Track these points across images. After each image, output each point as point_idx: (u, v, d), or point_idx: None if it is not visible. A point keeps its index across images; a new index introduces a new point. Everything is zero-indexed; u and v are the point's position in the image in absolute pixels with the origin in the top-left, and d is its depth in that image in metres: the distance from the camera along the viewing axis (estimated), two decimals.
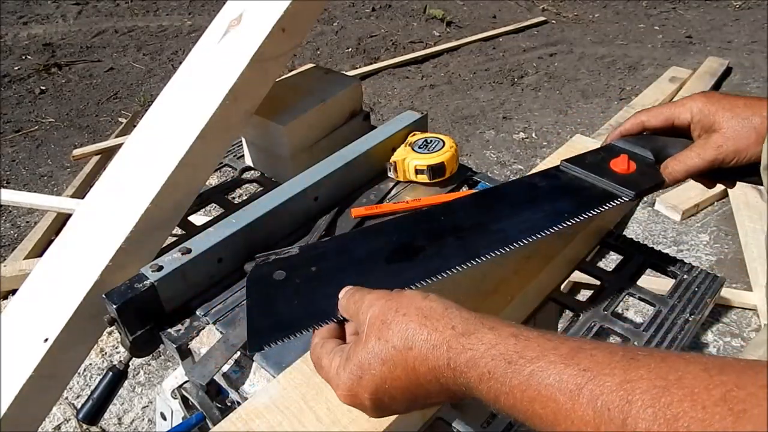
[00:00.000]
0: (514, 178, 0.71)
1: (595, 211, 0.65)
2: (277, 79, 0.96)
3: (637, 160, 0.69)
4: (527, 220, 0.63)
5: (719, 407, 0.30)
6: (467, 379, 0.40)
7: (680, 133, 0.69)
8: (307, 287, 0.56)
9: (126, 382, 0.82)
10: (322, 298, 0.54)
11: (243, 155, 1.07)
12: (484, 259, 0.59)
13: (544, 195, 0.68)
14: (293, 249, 0.74)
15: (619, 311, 1.74)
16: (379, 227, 0.65)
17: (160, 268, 0.68)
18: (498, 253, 0.60)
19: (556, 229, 0.63)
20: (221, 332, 0.68)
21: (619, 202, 0.66)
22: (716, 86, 2.94)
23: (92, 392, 0.72)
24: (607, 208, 0.65)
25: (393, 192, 0.89)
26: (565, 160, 0.71)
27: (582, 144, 0.91)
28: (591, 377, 0.35)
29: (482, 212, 0.65)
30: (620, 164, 0.69)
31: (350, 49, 3.61)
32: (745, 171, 0.65)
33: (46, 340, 0.71)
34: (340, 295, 0.52)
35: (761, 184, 0.66)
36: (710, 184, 0.71)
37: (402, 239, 0.61)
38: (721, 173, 0.66)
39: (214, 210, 1.74)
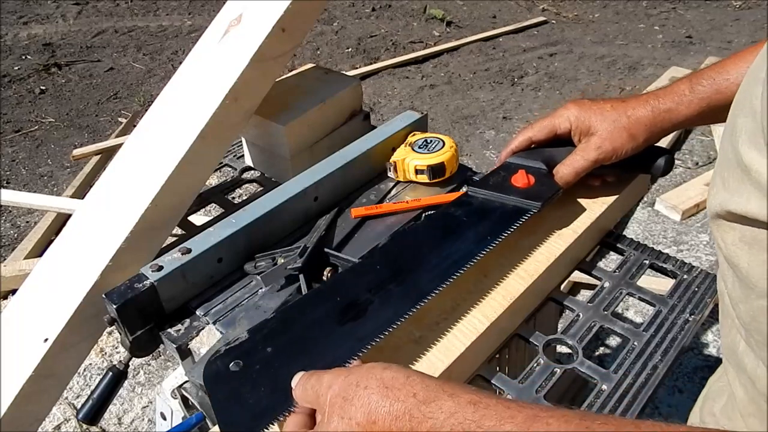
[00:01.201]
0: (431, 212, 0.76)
1: (513, 227, 0.70)
2: (277, 79, 0.96)
3: (533, 173, 0.76)
4: (458, 250, 0.67)
5: None
6: None
7: (563, 141, 0.78)
8: (267, 373, 0.54)
9: (126, 382, 0.82)
10: (286, 380, 0.52)
11: (243, 155, 1.07)
12: (429, 298, 0.61)
13: (463, 222, 0.72)
14: (293, 249, 0.74)
15: (619, 311, 1.74)
16: (320, 290, 0.64)
17: (160, 268, 0.68)
18: (441, 288, 0.62)
19: (486, 251, 0.67)
20: (221, 332, 0.68)
21: (530, 215, 0.72)
22: None
23: (92, 392, 0.72)
24: (522, 221, 0.71)
25: (393, 192, 0.89)
26: (470, 185, 0.77)
27: None
28: None
29: (414, 252, 0.67)
30: (520, 179, 0.75)
31: (350, 49, 3.61)
32: (623, 165, 0.74)
33: (46, 340, 0.71)
34: (294, 385, 0.50)
35: (642, 173, 0.81)
36: (597, 180, 0.80)
37: (346, 298, 0.61)
38: (604, 169, 0.76)
39: (214, 210, 1.74)
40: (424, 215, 0.84)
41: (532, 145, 0.80)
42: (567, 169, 0.74)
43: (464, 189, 0.89)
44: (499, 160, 0.82)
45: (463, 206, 0.75)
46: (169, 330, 0.69)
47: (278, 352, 0.56)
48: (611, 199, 0.80)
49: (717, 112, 0.67)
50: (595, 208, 0.79)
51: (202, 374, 0.55)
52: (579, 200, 0.79)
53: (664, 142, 2.41)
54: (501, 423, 0.38)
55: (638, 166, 0.78)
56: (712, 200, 0.47)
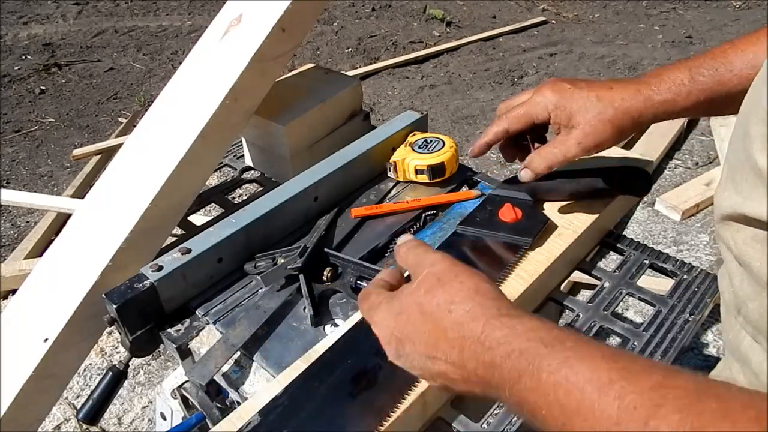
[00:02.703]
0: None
1: (508, 268, 0.69)
2: (277, 79, 0.96)
3: (519, 205, 0.75)
4: None
5: (753, 425, 0.29)
6: (492, 357, 0.40)
7: (540, 129, 0.73)
8: None
9: (126, 382, 0.82)
10: None
11: (243, 155, 1.07)
12: None
13: None
14: (293, 249, 0.74)
15: (619, 311, 1.74)
16: (323, 361, 0.60)
17: (160, 268, 0.68)
18: None
19: None
20: (221, 332, 0.68)
21: (521, 252, 0.71)
22: None
23: (92, 392, 0.72)
24: (515, 260, 0.70)
25: (393, 192, 0.89)
26: (460, 224, 0.75)
27: None
28: (626, 375, 0.34)
29: None
30: (507, 214, 0.74)
31: (350, 49, 3.61)
32: (599, 190, 0.74)
33: (46, 340, 0.71)
34: (400, 242, 0.53)
35: (620, 194, 0.78)
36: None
37: (353, 366, 0.58)
38: (579, 191, 0.75)
39: (214, 210, 1.74)
40: (424, 215, 0.84)
41: (508, 135, 0.73)
42: (543, 162, 0.68)
43: (464, 190, 0.89)
44: (471, 152, 0.76)
45: (454, 248, 0.73)
46: (169, 330, 0.69)
47: None
48: (611, 199, 0.80)
49: (715, 104, 0.62)
50: (595, 208, 0.79)
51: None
52: (579, 200, 0.79)
53: (663, 143, 2.41)
54: (584, 346, 0.37)
55: (617, 188, 0.78)
56: (723, 202, 0.47)
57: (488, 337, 0.41)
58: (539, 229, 0.73)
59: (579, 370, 0.35)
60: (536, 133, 0.74)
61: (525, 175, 0.71)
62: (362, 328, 0.63)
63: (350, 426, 0.53)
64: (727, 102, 0.62)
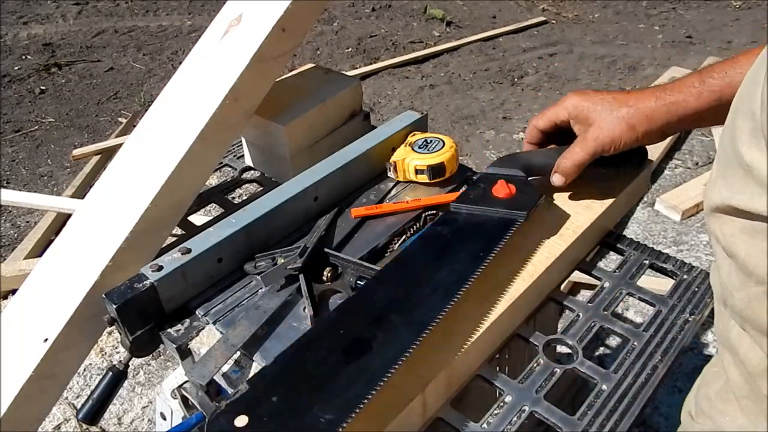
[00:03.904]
0: (418, 234, 0.72)
1: (503, 241, 0.69)
2: (277, 79, 0.96)
3: (513, 182, 0.75)
4: (452, 271, 0.66)
5: None
6: None
7: (565, 131, 0.77)
8: (278, 425, 0.51)
9: (126, 382, 0.82)
10: (299, 429, 0.50)
11: (243, 155, 1.07)
12: (433, 325, 0.60)
13: (453, 241, 0.70)
14: (293, 249, 0.74)
15: (619, 311, 1.74)
16: (317, 328, 0.60)
17: (160, 268, 0.68)
18: (443, 313, 0.61)
19: (482, 268, 0.66)
20: (221, 332, 0.68)
21: (517, 225, 0.71)
22: None
23: (92, 392, 0.72)
24: (511, 233, 0.70)
25: (393, 192, 0.89)
26: (453, 202, 0.76)
27: None
28: None
29: (410, 279, 0.65)
30: (501, 190, 0.74)
31: (350, 49, 3.61)
32: (625, 157, 0.74)
33: (46, 340, 0.71)
34: None
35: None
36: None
37: (348, 335, 0.59)
38: (607, 161, 0.75)
39: (214, 210, 1.74)
40: (424, 215, 0.84)
41: (542, 132, 0.80)
42: (568, 162, 0.74)
43: (464, 190, 0.89)
44: (525, 144, 0.83)
45: (449, 224, 0.73)
46: (169, 330, 0.69)
47: (285, 401, 0.52)
48: (611, 199, 0.80)
49: (727, 107, 0.65)
50: (595, 208, 0.79)
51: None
52: (579, 200, 0.79)
53: (663, 143, 2.41)
54: None
55: (614, 164, 0.78)
56: (713, 196, 0.48)
57: None
58: (534, 204, 0.73)
59: None
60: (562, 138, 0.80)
61: (557, 179, 0.76)
62: (355, 300, 0.64)
63: (342, 391, 0.53)
64: None
